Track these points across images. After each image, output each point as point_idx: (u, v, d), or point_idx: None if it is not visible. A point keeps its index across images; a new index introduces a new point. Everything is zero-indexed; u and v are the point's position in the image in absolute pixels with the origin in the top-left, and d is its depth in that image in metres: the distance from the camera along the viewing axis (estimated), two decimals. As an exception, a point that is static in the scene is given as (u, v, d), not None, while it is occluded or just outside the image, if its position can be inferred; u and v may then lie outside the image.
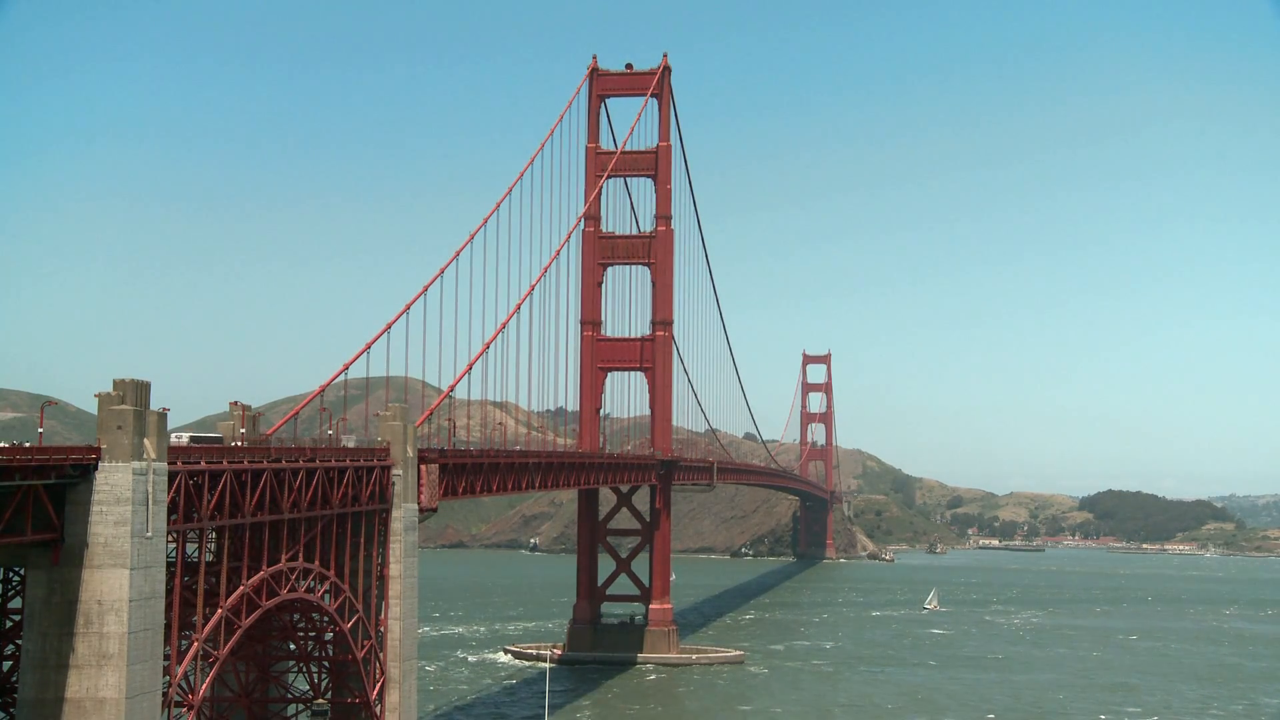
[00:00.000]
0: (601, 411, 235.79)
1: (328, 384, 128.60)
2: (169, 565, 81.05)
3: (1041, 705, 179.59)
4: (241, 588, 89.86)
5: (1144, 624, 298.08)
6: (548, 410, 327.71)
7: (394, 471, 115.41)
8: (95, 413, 76.24)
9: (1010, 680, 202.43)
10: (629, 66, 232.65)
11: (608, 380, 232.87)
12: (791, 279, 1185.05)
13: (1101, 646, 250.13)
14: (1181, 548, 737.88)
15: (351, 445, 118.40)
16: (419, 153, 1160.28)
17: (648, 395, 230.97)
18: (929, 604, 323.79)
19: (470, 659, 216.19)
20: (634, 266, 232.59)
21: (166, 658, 79.45)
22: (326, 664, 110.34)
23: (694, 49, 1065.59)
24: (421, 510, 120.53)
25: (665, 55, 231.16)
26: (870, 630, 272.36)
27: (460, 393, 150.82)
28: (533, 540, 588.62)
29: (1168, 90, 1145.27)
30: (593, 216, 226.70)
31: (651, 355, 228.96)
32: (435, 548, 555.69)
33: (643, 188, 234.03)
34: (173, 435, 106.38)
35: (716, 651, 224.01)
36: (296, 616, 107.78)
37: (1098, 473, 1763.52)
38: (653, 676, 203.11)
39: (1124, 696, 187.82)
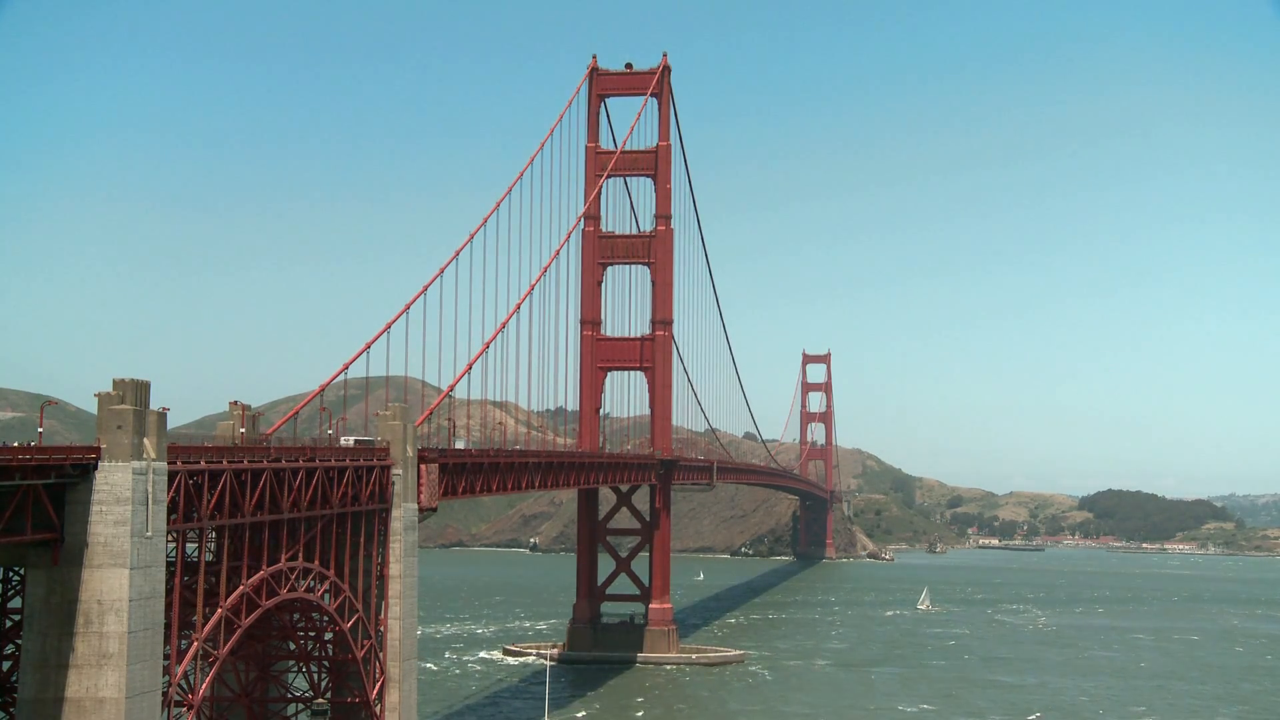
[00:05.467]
0: (601, 411, 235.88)
1: (328, 384, 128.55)
2: (169, 565, 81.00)
3: (1052, 704, 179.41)
4: (241, 587, 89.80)
5: (1152, 624, 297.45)
6: (548, 410, 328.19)
7: (394, 471, 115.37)
8: (95, 413, 76.11)
9: (1017, 680, 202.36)
10: (629, 66, 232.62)
11: (608, 380, 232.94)
12: (791, 279, 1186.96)
13: (1109, 646, 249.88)
14: (1181, 547, 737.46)
15: (351, 443, 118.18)
16: (419, 153, 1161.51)
17: (648, 395, 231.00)
18: (921, 604, 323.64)
19: (470, 659, 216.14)
20: (634, 266, 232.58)
21: (166, 657, 79.39)
22: (326, 664, 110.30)
23: (694, 49, 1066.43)
24: (421, 510, 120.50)
25: (665, 55, 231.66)
26: (870, 629, 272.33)
27: (460, 392, 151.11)
28: (533, 540, 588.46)
29: (1168, 90, 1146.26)
30: (592, 216, 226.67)
31: (651, 355, 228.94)
32: (435, 548, 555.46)
33: (642, 187, 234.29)
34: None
35: (717, 651, 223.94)
36: (296, 616, 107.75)
37: (1098, 472, 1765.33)
38: (653, 676, 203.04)
39: (1133, 696, 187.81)
